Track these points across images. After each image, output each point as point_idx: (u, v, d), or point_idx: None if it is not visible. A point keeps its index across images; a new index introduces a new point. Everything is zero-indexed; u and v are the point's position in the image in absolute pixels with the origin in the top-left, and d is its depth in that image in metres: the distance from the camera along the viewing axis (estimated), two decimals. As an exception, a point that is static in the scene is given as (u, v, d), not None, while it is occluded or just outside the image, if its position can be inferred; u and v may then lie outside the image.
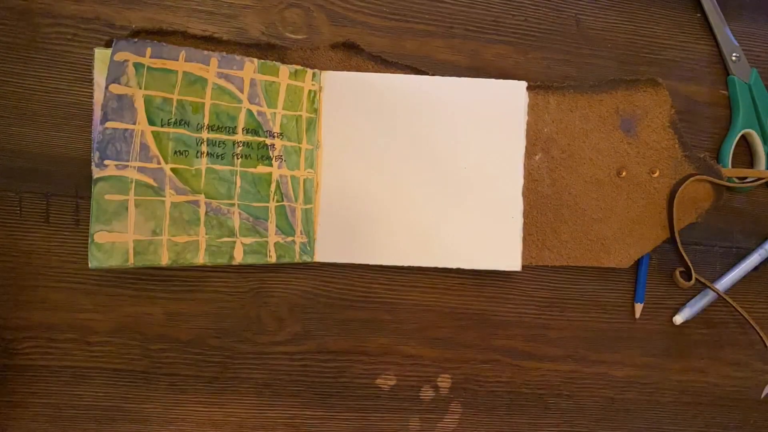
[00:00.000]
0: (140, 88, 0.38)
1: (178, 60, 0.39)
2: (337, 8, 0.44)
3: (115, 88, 0.38)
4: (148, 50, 0.38)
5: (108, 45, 0.40)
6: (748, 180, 0.47)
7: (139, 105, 0.38)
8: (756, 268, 0.48)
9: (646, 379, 0.48)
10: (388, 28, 0.44)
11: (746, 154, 0.49)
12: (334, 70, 0.43)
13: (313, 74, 0.42)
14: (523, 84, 0.44)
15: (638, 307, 0.47)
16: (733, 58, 0.48)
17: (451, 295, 0.46)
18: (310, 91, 0.42)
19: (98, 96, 0.39)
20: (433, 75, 0.44)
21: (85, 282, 0.42)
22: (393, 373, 0.45)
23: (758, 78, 0.48)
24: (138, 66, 0.38)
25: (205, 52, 0.40)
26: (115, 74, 0.38)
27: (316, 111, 0.43)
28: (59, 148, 0.41)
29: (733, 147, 0.47)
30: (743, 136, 0.48)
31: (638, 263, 0.47)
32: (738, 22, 0.48)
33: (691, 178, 0.46)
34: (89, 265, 0.37)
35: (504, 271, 0.46)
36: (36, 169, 0.41)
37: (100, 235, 0.37)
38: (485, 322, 0.46)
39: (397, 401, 0.45)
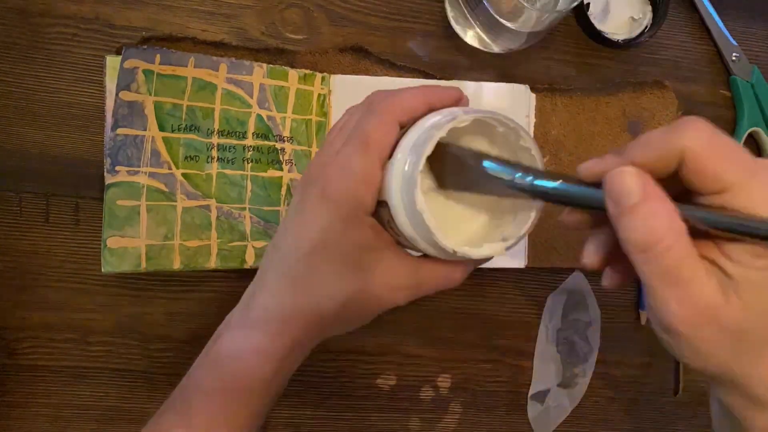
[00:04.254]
0: (150, 95, 0.38)
1: (187, 66, 0.39)
2: (337, 8, 0.44)
3: (125, 95, 0.38)
4: (158, 57, 0.39)
5: (119, 52, 0.40)
6: None
7: (150, 111, 0.39)
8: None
9: (646, 379, 0.48)
10: (388, 28, 0.44)
11: (754, 154, 0.49)
12: (342, 73, 0.43)
13: (323, 78, 0.42)
14: (527, 87, 0.44)
15: (644, 315, 0.47)
16: (733, 58, 0.48)
17: (451, 295, 0.46)
18: (319, 94, 0.42)
19: (110, 103, 0.40)
20: (441, 78, 0.44)
21: (85, 282, 0.41)
22: (393, 373, 0.45)
23: (760, 75, 0.48)
24: (147, 73, 0.38)
25: (214, 58, 0.40)
26: (125, 81, 0.38)
27: (325, 114, 0.43)
28: (59, 148, 0.41)
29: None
30: (750, 135, 0.48)
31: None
32: (735, 21, 0.48)
33: None
34: (102, 270, 0.37)
35: (504, 271, 0.46)
36: (36, 169, 0.41)
37: (112, 240, 0.38)
38: (485, 322, 0.46)
39: (397, 401, 0.45)
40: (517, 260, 0.44)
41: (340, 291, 0.28)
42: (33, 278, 0.41)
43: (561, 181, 0.24)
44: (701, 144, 0.22)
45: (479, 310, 0.46)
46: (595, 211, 0.24)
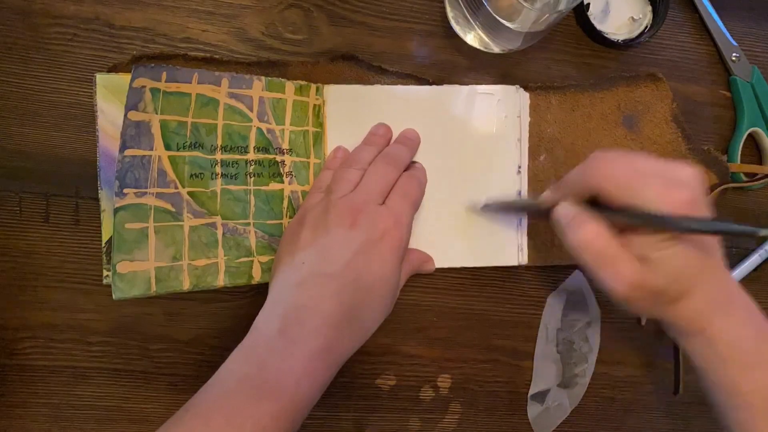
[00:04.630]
0: (157, 113, 0.39)
1: (191, 82, 0.39)
2: (337, 8, 0.44)
3: (133, 115, 0.38)
4: (164, 74, 0.39)
5: (111, 70, 0.40)
6: (758, 177, 0.47)
7: (156, 130, 0.39)
8: (756, 268, 0.48)
9: (646, 379, 0.48)
10: (388, 28, 0.44)
11: (754, 154, 0.49)
12: (335, 83, 0.43)
13: (317, 88, 0.42)
14: (517, 87, 0.44)
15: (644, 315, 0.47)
16: (733, 58, 0.48)
17: (451, 295, 0.46)
18: (314, 105, 0.42)
19: (102, 122, 0.39)
20: (433, 83, 0.44)
21: (85, 282, 0.41)
22: (393, 373, 0.45)
23: (760, 76, 0.48)
24: (154, 91, 0.38)
25: (216, 73, 0.40)
26: (134, 101, 0.38)
27: (321, 125, 0.43)
28: (59, 148, 0.41)
29: (740, 146, 0.47)
30: (750, 135, 0.48)
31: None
32: (735, 21, 0.48)
33: (720, 188, 0.46)
34: (113, 297, 0.37)
35: (504, 271, 0.46)
36: (36, 169, 0.41)
37: (122, 266, 0.38)
38: (485, 322, 0.46)
39: (397, 401, 0.45)
40: (517, 258, 0.45)
41: (383, 316, 0.37)
42: (33, 278, 0.41)
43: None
44: (603, 175, 0.32)
45: (479, 310, 0.46)
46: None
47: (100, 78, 0.39)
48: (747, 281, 0.48)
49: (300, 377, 0.32)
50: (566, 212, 0.33)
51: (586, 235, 0.32)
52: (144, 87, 0.38)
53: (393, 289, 0.37)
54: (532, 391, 0.46)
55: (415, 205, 0.39)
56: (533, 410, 0.46)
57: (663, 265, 0.31)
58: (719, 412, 0.35)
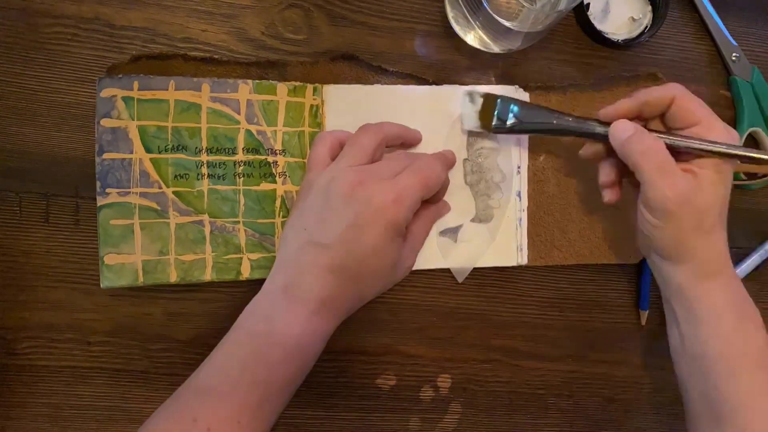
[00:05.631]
0: (133, 120, 0.39)
1: (168, 90, 0.39)
2: (337, 8, 0.44)
3: (106, 122, 0.38)
4: (136, 84, 0.39)
5: (111, 70, 0.40)
6: (759, 176, 0.47)
7: (134, 135, 0.39)
8: (756, 268, 0.48)
9: (646, 379, 0.48)
10: (388, 28, 0.44)
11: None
12: (335, 83, 0.43)
13: (314, 89, 0.42)
14: (516, 87, 0.44)
15: (644, 315, 0.47)
16: (733, 58, 0.48)
17: (451, 295, 0.46)
18: (312, 105, 0.42)
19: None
20: (433, 83, 0.44)
21: (85, 282, 0.41)
22: (393, 373, 0.45)
23: (760, 76, 0.48)
24: (127, 99, 0.39)
25: (195, 79, 0.40)
26: (105, 109, 0.38)
27: (319, 125, 0.42)
28: (59, 148, 0.41)
29: None
30: (750, 135, 0.48)
31: (641, 269, 0.47)
32: (735, 21, 0.48)
33: None
34: (101, 285, 0.38)
35: (504, 271, 0.46)
36: (36, 169, 0.41)
37: (109, 257, 0.39)
38: (485, 322, 0.46)
39: (397, 401, 0.45)
40: (517, 259, 0.45)
41: (383, 287, 0.39)
42: (33, 278, 0.41)
43: (584, 121, 0.39)
44: (685, 93, 0.37)
45: (479, 310, 0.46)
46: (604, 142, 0.39)
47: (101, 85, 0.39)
48: (747, 281, 0.48)
49: (303, 328, 0.35)
50: (626, 126, 0.37)
51: (651, 144, 0.35)
52: (114, 96, 0.39)
53: (389, 263, 0.37)
54: (440, 228, 0.44)
55: (426, 186, 0.37)
56: (444, 245, 0.44)
57: (714, 187, 0.36)
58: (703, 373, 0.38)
